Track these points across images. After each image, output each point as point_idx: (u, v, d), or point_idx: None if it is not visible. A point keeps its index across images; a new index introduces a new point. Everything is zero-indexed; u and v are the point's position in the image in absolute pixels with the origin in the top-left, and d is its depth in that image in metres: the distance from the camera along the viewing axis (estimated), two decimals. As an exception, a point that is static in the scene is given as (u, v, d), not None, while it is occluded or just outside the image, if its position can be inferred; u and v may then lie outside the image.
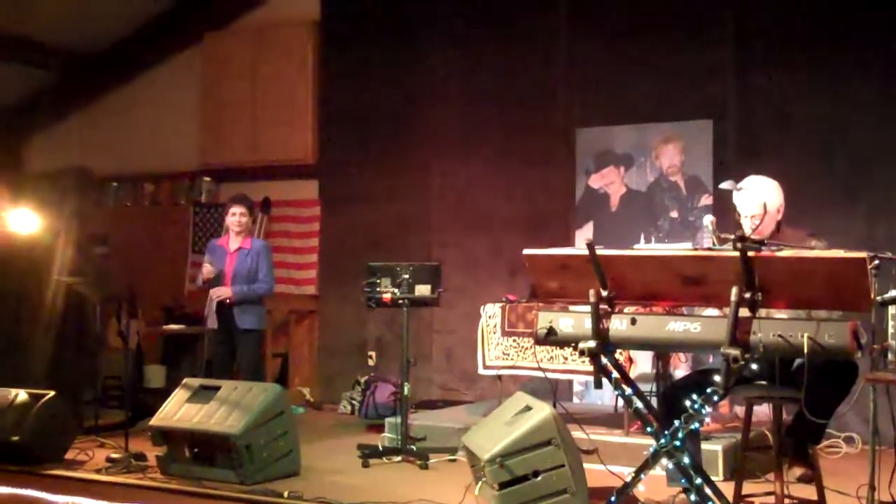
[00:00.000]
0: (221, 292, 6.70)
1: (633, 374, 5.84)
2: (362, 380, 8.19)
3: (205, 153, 9.82)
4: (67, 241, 8.06)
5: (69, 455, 6.06)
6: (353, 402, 8.24)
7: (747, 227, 4.47)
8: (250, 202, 6.99)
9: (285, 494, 4.98)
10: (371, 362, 8.82)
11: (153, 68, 10.23)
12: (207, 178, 9.96)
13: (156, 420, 5.72)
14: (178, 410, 5.71)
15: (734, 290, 3.88)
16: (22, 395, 6.04)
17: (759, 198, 4.57)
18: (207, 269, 6.73)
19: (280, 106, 9.37)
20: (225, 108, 9.65)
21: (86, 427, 6.88)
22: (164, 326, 8.93)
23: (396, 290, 6.24)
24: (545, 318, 4.36)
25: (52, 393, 6.08)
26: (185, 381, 6.03)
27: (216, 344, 6.84)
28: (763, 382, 4.39)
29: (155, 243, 9.94)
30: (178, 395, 5.86)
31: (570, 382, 7.68)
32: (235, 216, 6.83)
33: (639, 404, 4.37)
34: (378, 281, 6.28)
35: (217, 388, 5.79)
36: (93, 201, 10.12)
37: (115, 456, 5.91)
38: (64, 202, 8.51)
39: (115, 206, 10.36)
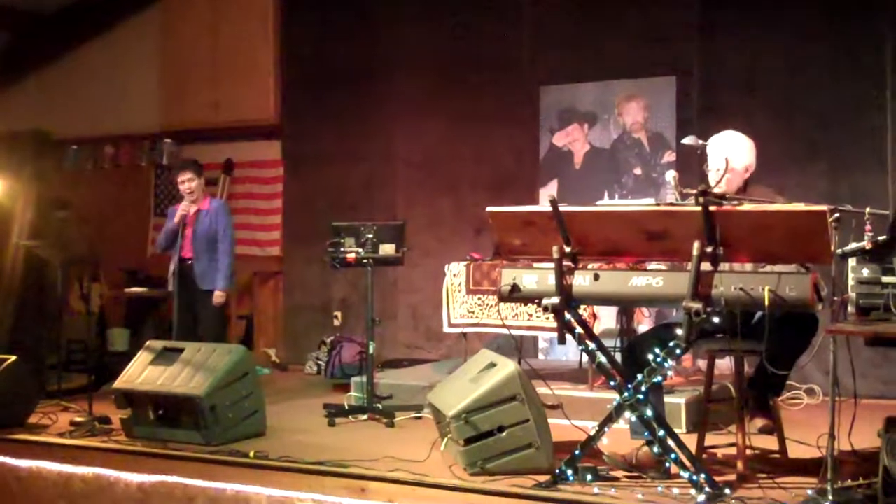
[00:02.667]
0: (220, 299, 6.72)
1: (597, 329, 5.88)
2: (328, 340, 8.20)
3: (166, 114, 9.69)
4: (27, 204, 7.95)
5: (32, 419, 6.00)
6: (319, 362, 8.24)
7: (711, 180, 4.49)
8: (196, 165, 6.94)
9: (251, 454, 4.97)
10: (336, 322, 8.82)
11: (112, 28, 10.06)
12: (168, 140, 9.85)
13: (119, 383, 5.67)
14: (141, 373, 5.68)
15: (696, 245, 3.91)
16: (-17, 360, 5.97)
17: (723, 152, 4.58)
18: (186, 207, 6.73)
19: (242, 65, 9.25)
20: (185, 68, 9.51)
21: (49, 391, 6.81)
22: (127, 290, 8.87)
23: (360, 250, 6.22)
24: (509, 275, 4.37)
25: (13, 358, 6.01)
26: (148, 343, 5.99)
27: (178, 306, 6.78)
28: (725, 336, 4.43)
29: (116, 206, 9.84)
30: (142, 357, 5.82)
31: (535, 339, 7.71)
32: (184, 184, 6.82)
33: (602, 359, 4.41)
34: (342, 241, 6.25)
35: (181, 350, 5.75)
36: (52, 164, 9.96)
37: (78, 419, 5.86)
38: (22, 166, 8.38)
39: (75, 169, 10.23)
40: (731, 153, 4.58)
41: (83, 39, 10.18)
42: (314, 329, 8.82)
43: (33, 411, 6.07)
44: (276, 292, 9.25)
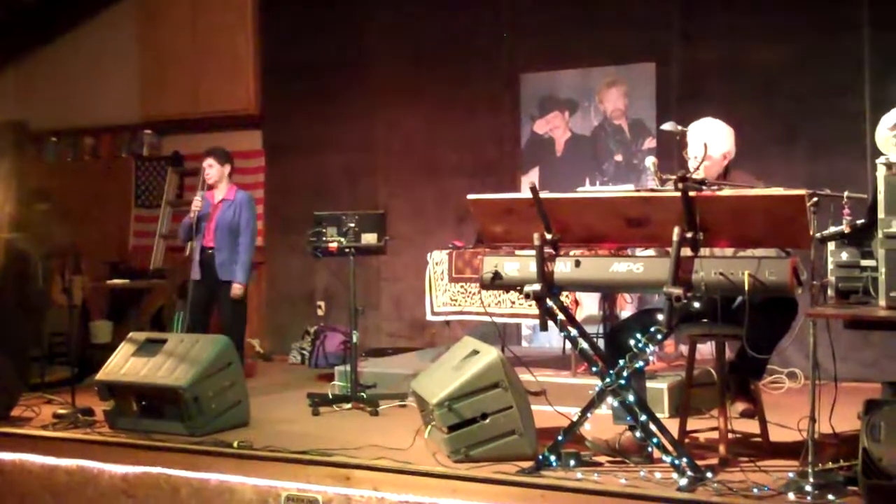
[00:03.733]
0: (237, 291, 6.68)
1: (579, 315, 5.90)
2: (311, 330, 8.20)
3: (145, 105, 9.64)
4: (7, 197, 7.91)
5: (15, 412, 5.98)
6: (303, 352, 8.25)
7: (691, 167, 4.51)
8: (221, 152, 6.93)
9: (235, 444, 4.96)
10: (320, 312, 8.82)
11: (91, 18, 9.99)
12: (148, 131, 9.81)
13: (102, 374, 5.65)
14: (124, 364, 5.66)
15: (676, 230, 3.92)
16: (-35, 354, 5.95)
17: (701, 139, 4.59)
18: (197, 203, 6.72)
19: (221, 56, 9.21)
20: (165, 58, 9.47)
21: (32, 384, 6.79)
22: (109, 281, 8.84)
23: (342, 239, 6.22)
24: (491, 263, 4.38)
25: (-5, 351, 5.99)
26: (130, 335, 5.96)
27: (195, 296, 6.79)
28: (706, 320, 4.45)
29: (97, 198, 9.80)
30: (124, 349, 5.80)
31: (518, 326, 7.74)
32: (205, 169, 6.85)
33: (584, 345, 4.42)
34: (324, 230, 6.25)
35: (163, 342, 5.74)
36: (31, 157, 9.94)
37: (62, 412, 5.83)
38: (1, 158, 8.35)
39: (55, 161, 10.20)
40: (709, 140, 4.59)
41: (62, 30, 10.12)
42: (298, 319, 8.81)
43: (16, 404, 6.05)
44: (259, 282, 9.22)
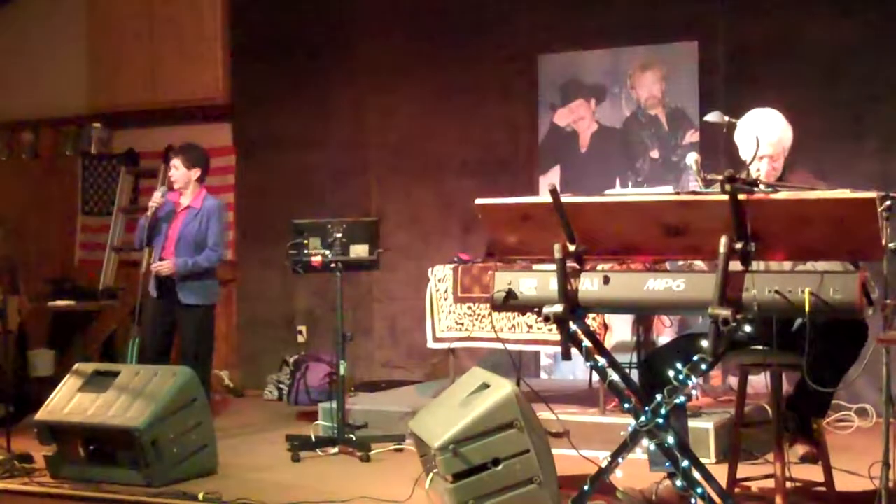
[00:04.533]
0: (162, 267, 6.67)
1: (608, 342, 5.90)
2: (291, 360, 8.21)
3: (94, 94, 9.70)
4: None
5: (-62, 458, 5.99)
6: (281, 386, 8.25)
7: (762, 172, 4.53)
8: (193, 153, 6.95)
9: (200, 496, 4.97)
10: (301, 339, 8.84)
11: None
12: (97, 125, 9.85)
13: (42, 414, 5.66)
14: (69, 401, 5.66)
15: (723, 240, 3.91)
16: None
17: (774, 134, 4.61)
18: (157, 198, 6.74)
19: (184, 36, 9.27)
20: (117, 39, 9.52)
21: (-41, 425, 6.81)
22: (52, 303, 8.84)
23: (328, 252, 6.24)
24: (503, 280, 4.37)
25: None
26: (76, 366, 5.97)
27: (152, 319, 6.81)
28: (759, 347, 4.44)
29: (37, 203, 9.84)
30: (69, 383, 5.81)
31: (537, 355, 7.75)
32: (171, 169, 6.89)
33: (615, 377, 4.40)
34: (306, 242, 6.28)
35: (116, 374, 5.75)
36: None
37: (-6, 458, 5.85)
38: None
39: (-14, 160, 10.24)
40: (782, 133, 4.63)
41: (-6, 7, 10.18)
42: (275, 347, 8.83)
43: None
44: (229, 303, 9.23)
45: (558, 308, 4.18)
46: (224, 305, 9.20)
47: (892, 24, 7.00)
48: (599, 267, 4.32)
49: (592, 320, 5.63)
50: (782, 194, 4.07)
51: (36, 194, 9.86)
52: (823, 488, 4.63)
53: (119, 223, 9.53)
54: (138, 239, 6.92)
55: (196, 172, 6.89)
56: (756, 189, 4.10)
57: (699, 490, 4.21)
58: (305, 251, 6.26)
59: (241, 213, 9.21)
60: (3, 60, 10.01)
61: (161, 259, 6.74)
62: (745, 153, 4.66)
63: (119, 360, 8.17)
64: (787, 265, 4.31)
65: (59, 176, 9.96)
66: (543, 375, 7.90)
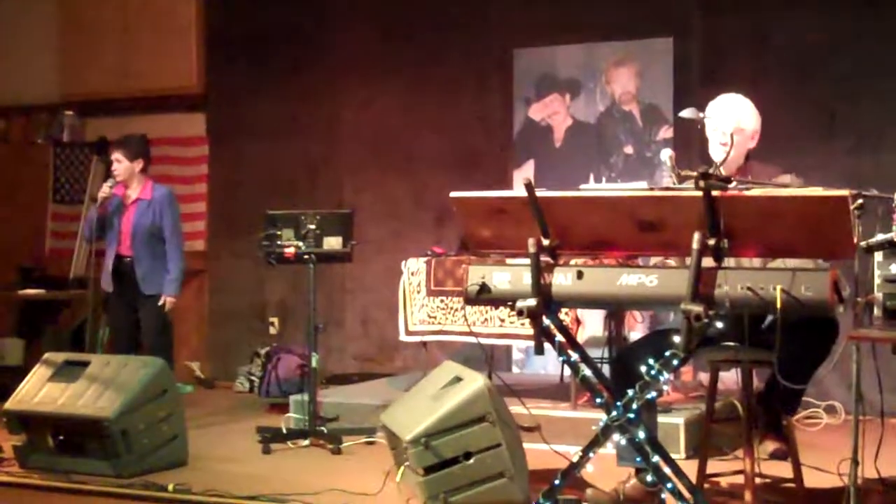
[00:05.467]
0: (171, 306, 6.79)
1: (581, 337, 5.92)
2: (262, 351, 8.19)
3: (66, 82, 9.64)
4: None
5: None
6: (252, 377, 8.24)
7: (716, 145, 4.54)
8: (133, 143, 6.93)
9: (170, 488, 4.96)
10: (273, 330, 8.83)
11: (0, -21, 10.00)
12: (69, 112, 9.79)
13: (11, 403, 5.63)
14: (38, 391, 5.64)
15: (696, 237, 3.92)
16: None
17: (733, 114, 4.64)
18: (105, 189, 6.71)
19: (158, 25, 9.23)
20: (91, 27, 9.46)
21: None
22: (21, 291, 8.79)
23: (301, 244, 6.22)
24: (477, 273, 4.37)
25: None
26: (46, 355, 5.94)
27: (116, 312, 6.84)
28: (731, 343, 4.47)
29: (7, 191, 9.74)
30: (39, 372, 5.78)
31: (509, 349, 7.77)
32: (112, 164, 6.85)
33: (587, 372, 4.41)
34: (279, 233, 6.26)
35: (86, 364, 5.72)
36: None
37: (-38, 448, 5.82)
38: None
39: (-45, 148, 10.16)
40: (740, 116, 4.65)
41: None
42: (246, 338, 8.82)
43: None
44: (200, 294, 9.21)
45: (532, 302, 4.18)
46: (195, 296, 9.19)
47: (865, 23, 7.04)
48: (573, 262, 4.31)
49: (565, 315, 5.64)
50: (756, 191, 4.09)
51: (6, 182, 9.77)
52: (793, 484, 4.66)
53: (90, 212, 9.46)
54: (87, 231, 6.90)
55: (139, 164, 6.86)
56: (730, 186, 4.12)
57: (669, 485, 4.22)
58: (279, 242, 6.24)
59: (214, 204, 9.19)
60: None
61: (119, 254, 6.76)
62: (717, 138, 4.68)
63: (89, 349, 8.12)
64: (759, 262, 4.32)
65: (30, 163, 9.89)
66: (515, 370, 7.92)
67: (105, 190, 6.72)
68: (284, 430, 6.30)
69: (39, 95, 9.79)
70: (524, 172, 7.87)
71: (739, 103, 4.76)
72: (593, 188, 6.70)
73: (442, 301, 6.67)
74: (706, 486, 4.74)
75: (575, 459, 4.31)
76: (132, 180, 6.84)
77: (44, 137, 9.91)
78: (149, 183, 6.91)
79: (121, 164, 6.80)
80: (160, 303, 6.75)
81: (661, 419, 5.01)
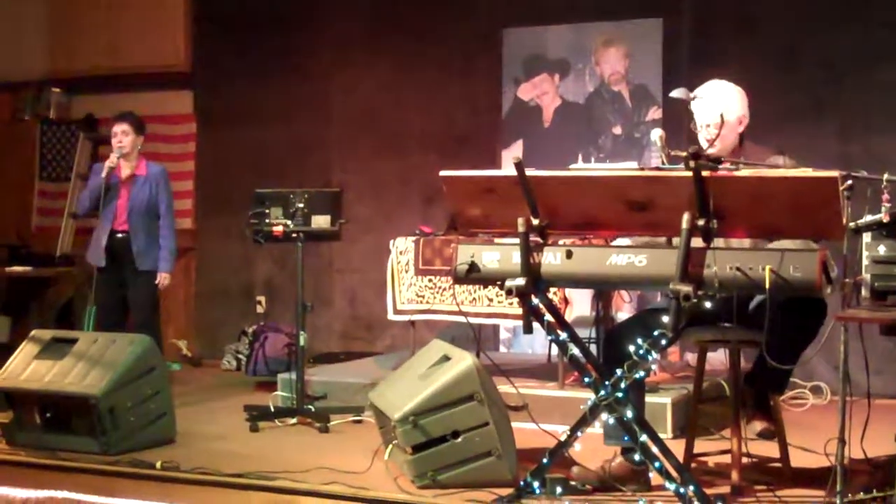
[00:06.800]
0: (165, 283, 6.82)
1: (569, 316, 5.92)
2: (250, 330, 8.18)
3: (53, 59, 9.60)
4: None
5: None
6: (240, 356, 8.22)
7: (703, 140, 4.52)
8: (135, 118, 6.95)
9: (158, 465, 4.94)
10: (260, 309, 8.83)
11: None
12: (56, 90, 9.75)
13: (-2, 380, 5.62)
14: (25, 368, 5.62)
15: (685, 217, 3.93)
16: None
17: (716, 106, 4.61)
18: (113, 159, 6.71)
19: (145, 2, 9.18)
20: (78, 4, 9.42)
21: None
22: (8, 268, 8.77)
23: (289, 222, 6.21)
24: (466, 252, 4.38)
25: None
26: (33, 333, 5.92)
27: (103, 288, 6.79)
28: (718, 324, 4.48)
29: (-7, 168, 9.74)
30: (26, 349, 5.76)
31: (496, 328, 7.77)
32: (116, 136, 6.83)
33: (575, 351, 4.42)
34: (267, 211, 6.25)
35: (73, 341, 5.71)
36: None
37: (-51, 425, 5.80)
38: None
39: (-58, 124, 10.12)
40: (724, 106, 4.62)
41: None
42: (233, 317, 8.82)
43: None
44: (188, 272, 9.19)
45: (521, 281, 4.19)
46: (182, 275, 9.16)
47: (853, 7, 7.03)
48: (562, 242, 4.32)
49: (554, 294, 5.64)
50: (745, 172, 4.09)
51: (-8, 159, 9.77)
52: (779, 464, 4.69)
53: (77, 189, 9.43)
54: (85, 204, 6.87)
55: (141, 139, 6.91)
56: (720, 166, 4.13)
57: (657, 464, 4.25)
58: (267, 221, 6.24)
59: (201, 182, 9.16)
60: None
61: (114, 229, 6.76)
62: (702, 121, 4.68)
63: (76, 327, 8.11)
64: (748, 243, 4.33)
65: (17, 141, 9.85)
66: (503, 349, 7.93)
67: (112, 160, 6.70)
68: (272, 409, 6.30)
69: (26, 72, 9.73)
70: (513, 152, 7.85)
71: (719, 94, 4.70)
72: (583, 168, 6.72)
73: (430, 280, 6.67)
74: (693, 465, 4.76)
75: (563, 438, 4.34)
76: (132, 154, 6.84)
77: (30, 114, 9.87)
78: (143, 160, 6.93)
79: (127, 136, 6.82)
80: (156, 281, 6.76)
81: (649, 399, 5.03)
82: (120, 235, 6.77)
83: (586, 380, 4.37)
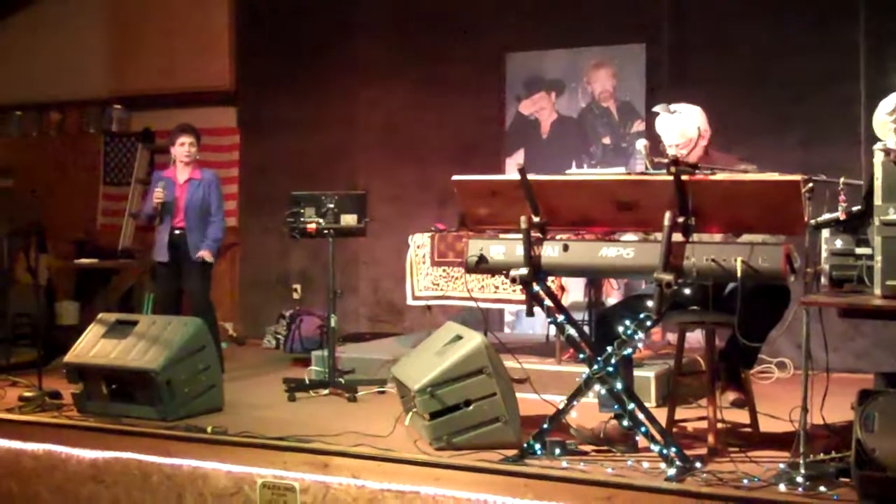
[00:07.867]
0: (207, 255, 6.77)
1: (565, 301, 5.92)
2: (287, 313, 8.19)
3: (115, 79, 9.60)
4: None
5: (-22, 395, 5.97)
6: (278, 336, 8.24)
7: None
8: (197, 131, 6.98)
9: (209, 430, 4.96)
10: (296, 295, 8.83)
11: (59, -13, 9.94)
12: (118, 106, 9.78)
13: (70, 356, 5.63)
14: (93, 346, 5.64)
15: (667, 215, 3.94)
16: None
17: (677, 128, 4.63)
18: (159, 194, 6.71)
19: (196, 29, 9.19)
20: (135, 30, 9.44)
21: (-4, 366, 6.78)
22: (76, 261, 8.78)
23: (321, 220, 6.23)
24: (476, 246, 4.39)
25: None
26: (100, 315, 5.94)
27: (164, 278, 6.84)
28: (696, 308, 4.49)
29: (63, 174, 9.77)
30: (94, 330, 5.78)
31: (501, 312, 7.78)
32: (185, 146, 6.84)
33: (571, 332, 4.44)
34: (302, 211, 6.27)
35: (134, 323, 5.72)
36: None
37: (28, 394, 5.78)
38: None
39: (19, 136, 10.14)
40: (684, 126, 4.63)
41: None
42: (272, 302, 8.82)
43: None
44: (233, 264, 9.22)
45: (524, 271, 4.21)
46: (228, 266, 9.20)
47: (813, 32, 7.02)
48: (559, 236, 4.33)
49: (552, 282, 5.64)
50: (719, 176, 4.10)
51: (62, 166, 9.80)
52: (750, 429, 4.71)
53: (136, 193, 9.47)
54: (144, 220, 7.05)
55: (198, 150, 6.95)
56: (696, 171, 4.14)
57: (643, 429, 4.27)
58: (302, 219, 6.26)
59: (244, 186, 9.17)
60: (36, 50, 9.89)
61: (174, 227, 6.78)
62: (667, 140, 4.68)
63: (136, 311, 8.14)
64: (722, 237, 4.34)
65: (84, 151, 9.89)
66: (507, 330, 7.92)
67: (159, 194, 6.70)
68: (307, 381, 6.32)
69: (91, 91, 9.75)
70: (515, 160, 7.85)
71: (677, 118, 4.67)
72: (577, 173, 6.74)
73: (444, 270, 6.68)
74: (674, 430, 4.77)
75: (561, 407, 4.35)
76: (193, 162, 6.86)
77: (95, 128, 9.90)
78: (197, 166, 6.94)
79: (194, 147, 6.86)
80: (203, 261, 6.76)
81: (636, 373, 5.05)
82: (178, 231, 6.78)
83: (581, 356, 4.39)
